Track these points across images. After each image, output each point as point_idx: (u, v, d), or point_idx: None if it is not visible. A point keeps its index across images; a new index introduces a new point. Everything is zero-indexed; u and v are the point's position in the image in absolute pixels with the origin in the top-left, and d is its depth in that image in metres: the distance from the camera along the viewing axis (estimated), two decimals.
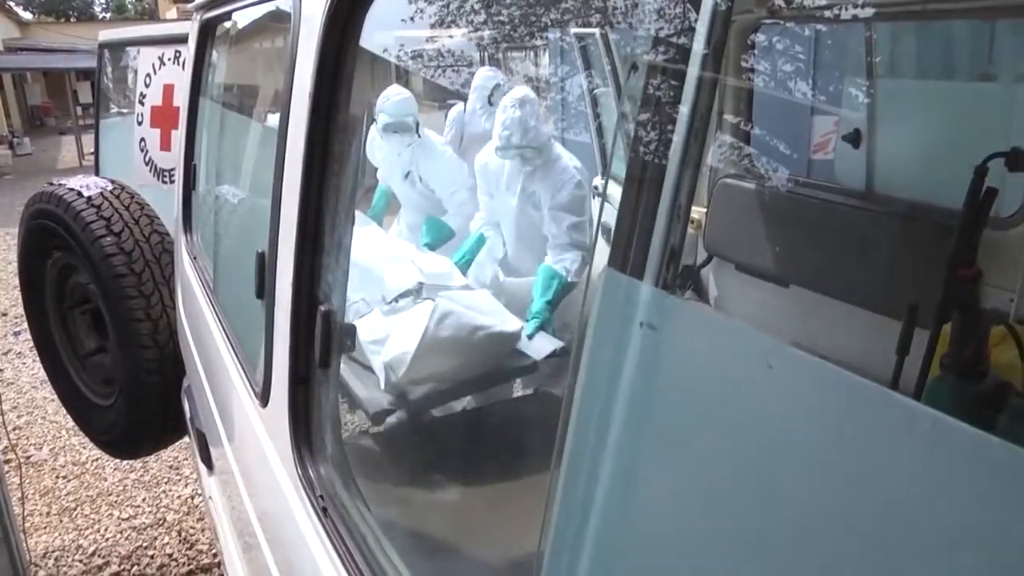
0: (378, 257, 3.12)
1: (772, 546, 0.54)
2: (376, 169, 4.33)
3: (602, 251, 2.94)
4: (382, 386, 2.55)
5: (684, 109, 0.62)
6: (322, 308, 1.41)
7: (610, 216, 3.02)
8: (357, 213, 3.66)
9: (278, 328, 1.59)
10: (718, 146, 4.11)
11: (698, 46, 0.61)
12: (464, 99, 6.83)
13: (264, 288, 1.67)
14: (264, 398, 1.70)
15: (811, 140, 4.28)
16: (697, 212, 4.12)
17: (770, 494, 0.54)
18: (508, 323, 2.74)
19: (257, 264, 1.70)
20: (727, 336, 0.58)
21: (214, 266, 2.34)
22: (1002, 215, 2.78)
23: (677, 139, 0.63)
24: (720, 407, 0.57)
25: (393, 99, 3.97)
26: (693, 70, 0.62)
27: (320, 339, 1.39)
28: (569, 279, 3.70)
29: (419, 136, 4.14)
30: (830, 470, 0.51)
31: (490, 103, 6.58)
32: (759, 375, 0.54)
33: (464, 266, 3.76)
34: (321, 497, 1.41)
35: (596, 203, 4.80)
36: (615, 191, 3.94)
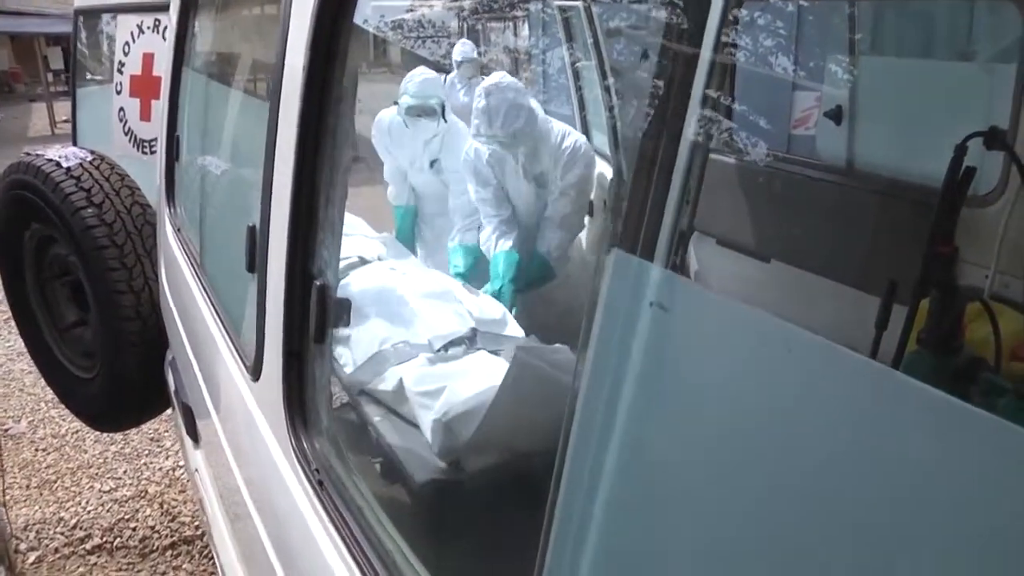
0: (418, 293, 2.80)
1: (786, 532, 0.56)
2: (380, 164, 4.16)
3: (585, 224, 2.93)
4: (435, 449, 2.13)
5: (695, 90, 0.63)
6: (317, 283, 1.42)
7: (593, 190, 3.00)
8: (391, 240, 3.54)
9: (270, 302, 1.60)
10: (699, 121, 4.13)
11: (711, 27, 0.62)
12: (447, 71, 6.77)
13: (255, 262, 1.67)
14: (256, 372, 1.70)
15: (791, 115, 4.32)
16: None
17: (785, 480, 0.56)
18: None
19: (248, 238, 1.70)
20: (744, 319, 0.59)
21: (200, 239, 2.33)
22: (979, 193, 2.82)
23: (689, 119, 0.64)
24: (736, 389, 0.59)
25: (417, 80, 3.81)
26: (705, 52, 0.63)
27: (315, 313, 1.40)
28: (554, 263, 3.68)
29: (445, 121, 3.91)
30: (847, 456, 0.53)
31: (469, 78, 6.53)
32: (777, 359, 0.56)
33: (505, 294, 3.46)
34: (317, 470, 1.42)
35: None
36: (599, 165, 3.93)
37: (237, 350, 1.87)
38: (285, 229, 1.49)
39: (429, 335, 2.52)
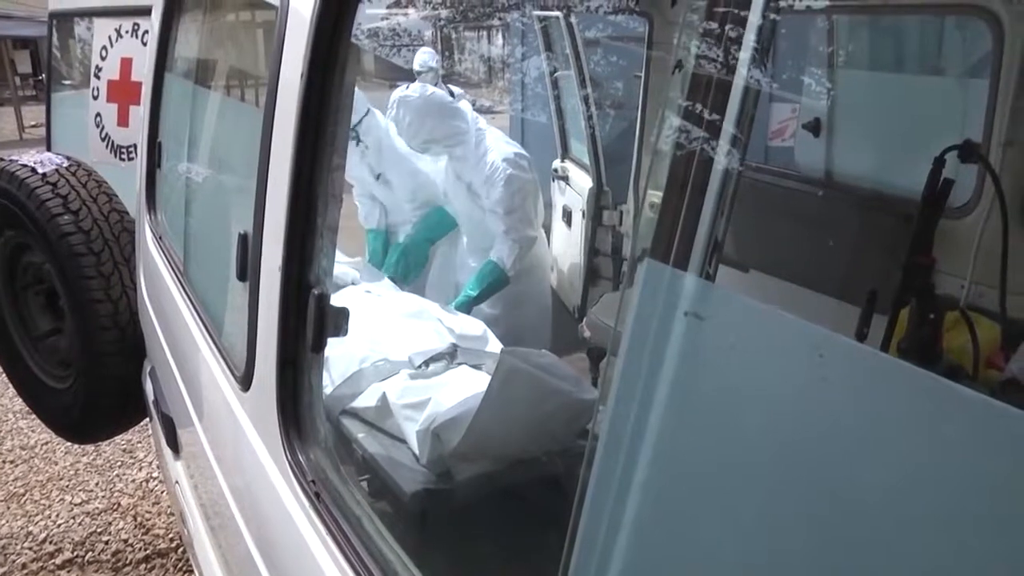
0: (395, 313, 2.79)
1: (825, 541, 0.57)
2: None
3: (562, 233, 2.96)
4: (423, 459, 2.11)
5: (732, 101, 0.63)
6: (315, 291, 1.41)
7: (570, 199, 3.03)
8: (363, 265, 3.52)
9: (263, 311, 1.58)
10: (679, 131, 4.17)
11: (749, 39, 0.62)
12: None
13: (247, 270, 1.65)
14: (246, 382, 1.68)
15: (768, 127, 4.37)
16: (656, 196, 4.17)
17: (822, 487, 0.56)
18: (585, 391, 2.19)
19: (239, 246, 1.68)
20: (777, 326, 0.60)
21: (184, 247, 2.29)
22: (954, 205, 2.87)
23: (724, 130, 0.64)
24: (770, 396, 0.59)
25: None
26: (741, 64, 0.63)
27: (313, 323, 1.38)
28: (508, 272, 3.74)
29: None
30: (884, 461, 0.53)
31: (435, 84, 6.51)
32: (810, 365, 0.56)
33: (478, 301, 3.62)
34: (313, 482, 1.41)
35: (556, 186, 4.84)
36: (576, 174, 3.96)
37: (225, 360, 1.85)
38: (281, 238, 1.47)
39: (409, 352, 2.51)
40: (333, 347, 2.34)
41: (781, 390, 0.58)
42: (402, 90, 3.59)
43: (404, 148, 3.94)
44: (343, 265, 3.36)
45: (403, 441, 2.21)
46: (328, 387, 2.38)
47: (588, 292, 4.43)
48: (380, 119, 3.91)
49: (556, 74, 4.83)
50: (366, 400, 2.33)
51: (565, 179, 4.68)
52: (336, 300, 2.81)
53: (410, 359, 2.48)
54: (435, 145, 3.64)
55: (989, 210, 2.81)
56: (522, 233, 3.84)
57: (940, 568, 0.54)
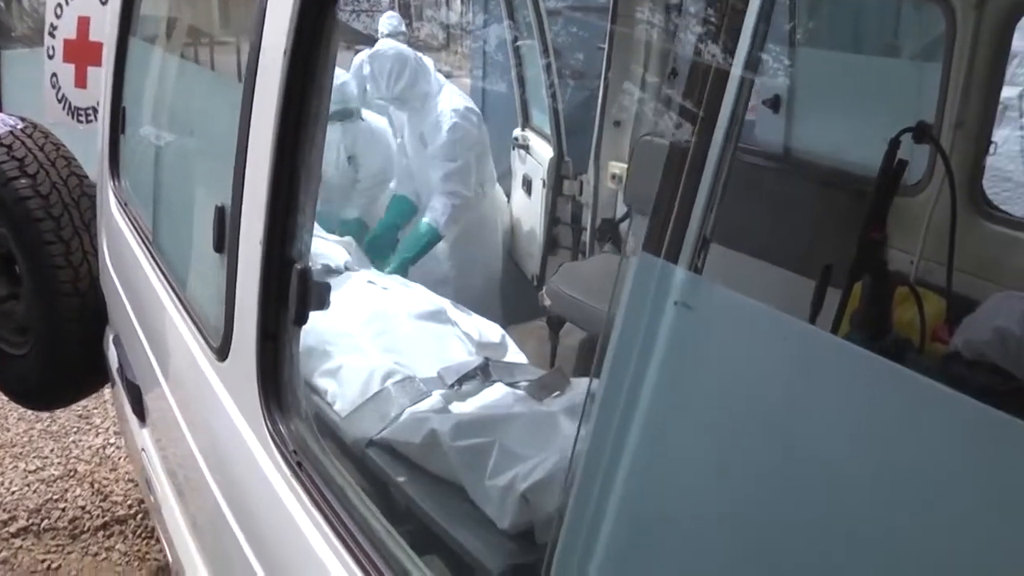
0: (409, 314, 2.56)
1: (812, 533, 0.61)
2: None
3: (521, 201, 2.98)
4: (502, 524, 1.76)
5: (726, 99, 0.67)
6: (298, 266, 1.42)
7: (531, 168, 3.05)
8: (352, 245, 3.38)
9: (242, 284, 1.59)
10: (639, 103, 4.21)
11: (745, 35, 0.66)
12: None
13: (224, 242, 1.65)
14: (223, 353, 1.70)
15: None
16: (618, 168, 4.23)
17: (808, 480, 0.61)
18: None
19: (216, 218, 1.68)
20: (765, 319, 0.64)
21: (153, 215, 2.27)
22: (907, 183, 2.96)
23: (719, 125, 0.68)
24: (755, 386, 0.63)
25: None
26: (737, 61, 0.67)
27: (296, 297, 1.40)
28: (441, 231, 3.83)
29: (363, 120, 4.15)
30: (869, 456, 0.58)
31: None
32: (793, 357, 0.61)
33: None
34: (295, 451, 1.44)
35: (516, 154, 4.86)
36: (537, 143, 3.99)
37: (200, 330, 1.85)
38: (262, 211, 1.48)
39: (435, 366, 2.29)
40: (344, 354, 2.31)
41: (766, 380, 0.63)
42: (374, 49, 3.81)
43: (377, 122, 4.05)
44: (332, 244, 3.26)
45: (458, 484, 1.89)
46: (342, 404, 2.20)
47: (547, 261, 4.48)
48: (354, 87, 4.01)
49: (518, 43, 4.82)
50: (405, 432, 2.01)
51: (526, 148, 4.71)
52: (339, 290, 2.70)
53: (440, 377, 2.25)
54: (407, 99, 3.79)
55: (940, 189, 2.92)
56: (457, 188, 3.89)
57: (923, 555, 0.59)
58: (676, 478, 0.70)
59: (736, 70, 0.66)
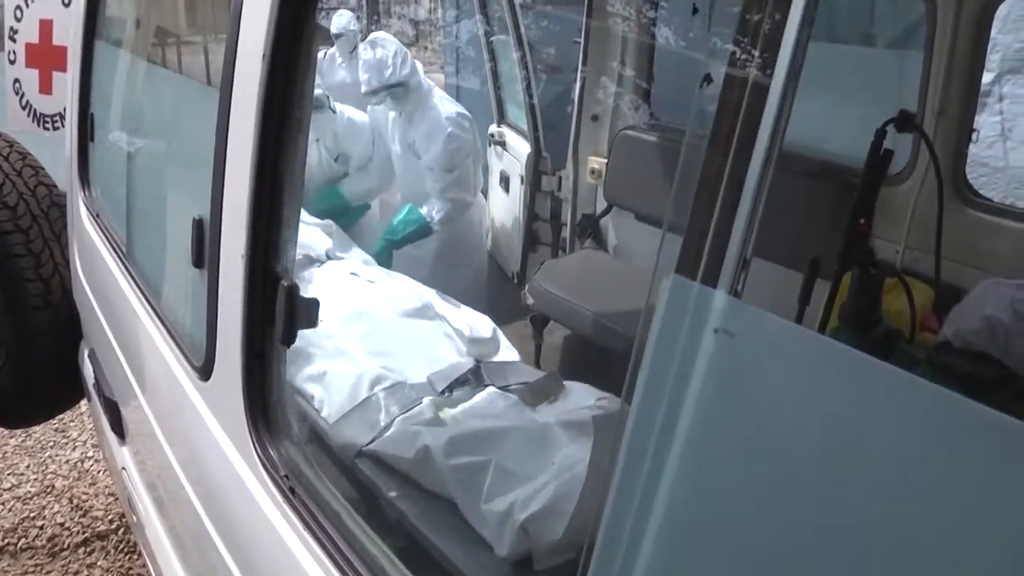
0: (396, 311, 2.46)
1: (866, 569, 0.57)
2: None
3: (499, 198, 2.91)
4: (501, 551, 1.69)
5: (768, 108, 0.63)
6: (284, 283, 1.36)
7: (508, 164, 2.99)
8: (334, 229, 3.26)
9: (225, 301, 1.52)
10: (618, 97, 4.17)
11: (787, 43, 0.61)
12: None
13: (204, 258, 1.58)
14: (205, 372, 1.63)
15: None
16: (597, 162, 4.19)
17: (861, 515, 0.57)
18: None
19: (195, 232, 1.61)
20: (815, 347, 0.60)
21: (127, 228, 2.18)
22: (890, 172, 2.95)
23: (760, 135, 0.63)
24: (807, 421, 0.59)
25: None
26: (779, 76, 0.62)
27: (284, 316, 1.34)
28: (433, 226, 3.79)
29: (334, 112, 4.09)
30: (928, 489, 0.54)
31: (350, 52, 6.38)
32: (848, 389, 0.56)
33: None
34: (286, 476, 1.38)
35: (492, 151, 4.81)
36: (513, 139, 3.94)
37: (181, 349, 1.78)
38: (243, 225, 1.42)
39: (425, 368, 2.19)
40: (328, 357, 2.19)
41: (823, 417, 0.58)
42: (376, 34, 3.82)
43: (356, 116, 4.01)
44: (311, 229, 3.12)
45: (452, 501, 1.81)
46: (328, 410, 2.09)
47: (528, 258, 4.44)
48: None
49: (492, 38, 4.77)
50: (396, 445, 1.92)
51: (502, 144, 4.66)
52: (320, 284, 2.61)
53: (430, 382, 2.16)
54: (402, 95, 3.74)
55: (924, 177, 2.91)
56: (457, 195, 3.87)
57: None
58: (719, 527, 0.65)
59: (779, 77, 0.61)
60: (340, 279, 2.70)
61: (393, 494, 1.84)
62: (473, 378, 2.19)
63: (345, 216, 4.12)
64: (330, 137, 4.01)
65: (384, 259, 3.65)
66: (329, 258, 2.91)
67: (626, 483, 0.68)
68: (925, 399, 0.57)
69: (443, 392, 2.13)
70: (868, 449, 0.57)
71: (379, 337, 2.31)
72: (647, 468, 0.67)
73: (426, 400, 2.07)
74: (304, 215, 3.18)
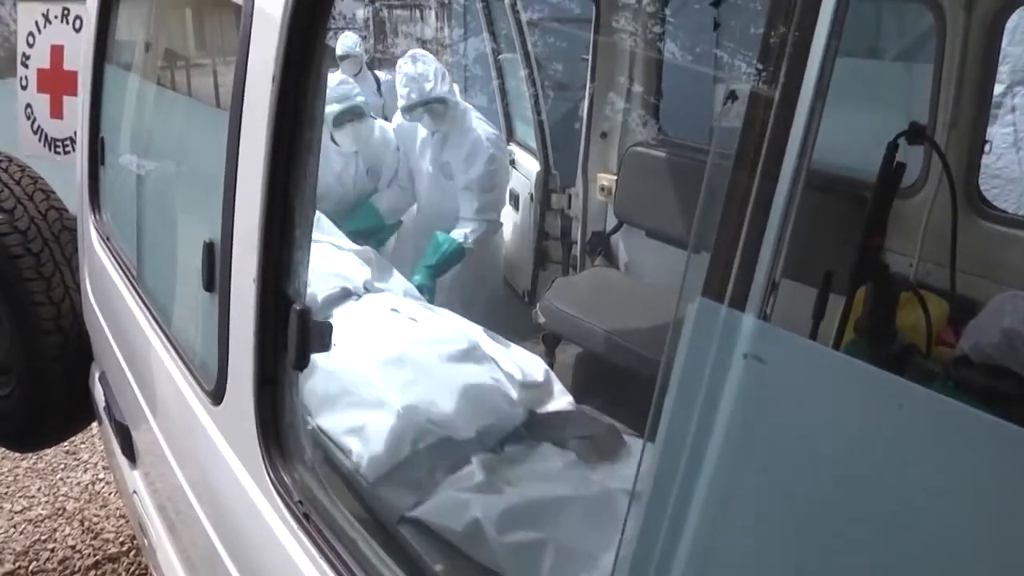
0: (440, 353, 2.23)
1: None
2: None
3: (509, 217, 2.88)
4: None
5: (795, 130, 0.61)
6: (296, 307, 1.35)
7: (517, 183, 2.97)
8: (372, 256, 3.00)
9: (236, 325, 1.51)
10: (627, 114, 4.17)
11: (815, 56, 0.60)
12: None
13: (215, 282, 1.57)
14: (217, 397, 1.62)
15: (715, 108, 4.40)
16: (607, 179, 4.18)
17: (903, 547, 0.55)
18: None
19: (206, 255, 1.60)
20: (849, 373, 0.58)
21: (138, 251, 2.18)
22: (903, 185, 2.93)
23: (788, 153, 0.62)
24: (844, 448, 0.57)
25: (333, 83, 3.75)
26: (806, 93, 0.61)
27: (296, 340, 1.33)
28: (466, 246, 3.77)
29: (373, 118, 4.06)
30: (973, 520, 0.52)
31: (354, 74, 6.40)
32: (888, 416, 0.54)
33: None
34: (300, 502, 1.36)
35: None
36: (522, 157, 3.94)
37: (192, 373, 1.77)
38: (255, 248, 1.40)
39: (472, 421, 2.01)
40: (365, 408, 2.00)
41: (857, 442, 0.56)
42: (413, 50, 3.78)
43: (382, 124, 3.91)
44: (348, 257, 2.88)
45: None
46: (366, 465, 1.89)
47: (538, 277, 4.43)
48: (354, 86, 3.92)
49: (500, 56, 4.78)
50: (443, 515, 1.75)
51: (511, 162, 4.66)
52: (360, 321, 2.40)
53: (479, 437, 1.98)
54: (440, 112, 3.71)
55: (936, 189, 2.88)
56: (491, 216, 3.87)
57: None
58: (756, 565, 0.63)
59: (807, 94, 0.59)
60: (379, 317, 2.49)
61: (441, 568, 1.68)
62: (527, 432, 2.03)
63: (380, 233, 4.11)
64: (370, 149, 3.97)
65: (426, 291, 3.52)
66: (367, 290, 2.68)
67: (654, 517, 0.66)
68: (971, 427, 0.54)
69: (493, 449, 1.97)
70: (914, 483, 0.55)
71: (422, 386, 2.10)
72: (674, 500, 0.65)
73: (475, 460, 1.90)
74: (341, 240, 3.09)
